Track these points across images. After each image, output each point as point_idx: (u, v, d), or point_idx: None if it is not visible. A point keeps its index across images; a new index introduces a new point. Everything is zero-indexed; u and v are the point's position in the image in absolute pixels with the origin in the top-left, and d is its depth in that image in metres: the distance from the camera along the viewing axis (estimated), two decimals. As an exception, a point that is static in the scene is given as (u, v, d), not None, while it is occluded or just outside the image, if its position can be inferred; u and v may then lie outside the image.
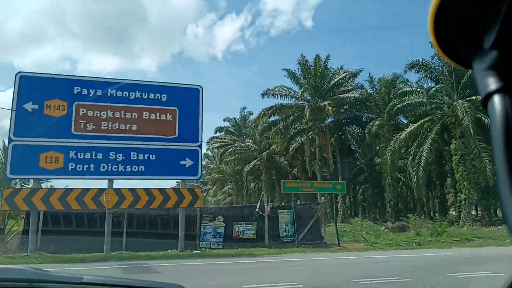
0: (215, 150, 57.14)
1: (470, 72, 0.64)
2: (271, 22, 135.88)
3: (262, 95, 37.28)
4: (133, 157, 14.53)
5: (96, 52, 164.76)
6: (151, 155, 14.68)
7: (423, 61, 30.19)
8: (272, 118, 39.35)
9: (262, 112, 37.25)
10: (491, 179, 26.24)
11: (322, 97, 35.73)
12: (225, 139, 52.57)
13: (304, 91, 35.32)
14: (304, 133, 38.89)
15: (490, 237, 19.36)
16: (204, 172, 71.78)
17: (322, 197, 18.58)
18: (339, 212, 40.05)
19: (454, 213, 39.09)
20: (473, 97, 27.42)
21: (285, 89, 37.56)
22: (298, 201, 20.31)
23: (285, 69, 36.91)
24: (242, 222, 17.36)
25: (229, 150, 47.48)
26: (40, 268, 1.56)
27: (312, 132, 37.36)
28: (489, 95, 0.54)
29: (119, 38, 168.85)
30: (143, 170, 14.56)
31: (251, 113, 51.78)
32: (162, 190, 14.81)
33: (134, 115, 14.84)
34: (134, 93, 14.92)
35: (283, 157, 45.92)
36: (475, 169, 27.84)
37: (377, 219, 38.06)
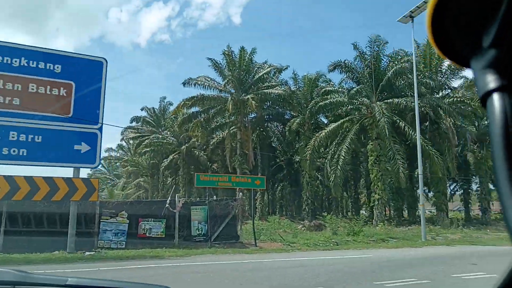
0: (131, 141, 53.43)
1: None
2: (200, 14, 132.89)
3: (184, 83, 35.02)
4: (13, 137, 11.70)
5: (7, 29, 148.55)
6: (36, 137, 11.94)
7: (346, 62, 30.17)
8: (193, 110, 37.22)
9: (183, 102, 34.98)
10: (403, 181, 26.80)
11: (246, 91, 34.45)
12: (141, 129, 49.19)
13: (228, 82, 33.76)
14: (226, 127, 37.33)
15: (403, 237, 19.32)
16: (118, 164, 67.17)
17: (240, 193, 17.08)
18: (257, 210, 39.19)
19: (365, 212, 40.18)
20: (390, 100, 27.89)
21: (209, 79, 35.70)
22: (215, 197, 18.64)
23: (209, 59, 35.04)
24: (150, 219, 15.23)
25: (145, 142, 44.47)
26: (24, 270, 1.50)
27: (234, 126, 35.94)
28: (488, 94, 0.53)
29: (32, 15, 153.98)
30: (24, 154, 11.78)
31: (171, 104, 49.05)
32: (48, 179, 12.11)
33: (17, 87, 11.98)
34: (18, 60, 12.04)
35: (202, 152, 44.00)
36: (388, 170, 28.36)
37: (294, 217, 37.71)
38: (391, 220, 32.03)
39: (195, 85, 34.92)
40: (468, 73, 30.21)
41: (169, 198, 15.68)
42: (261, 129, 40.68)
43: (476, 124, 32.64)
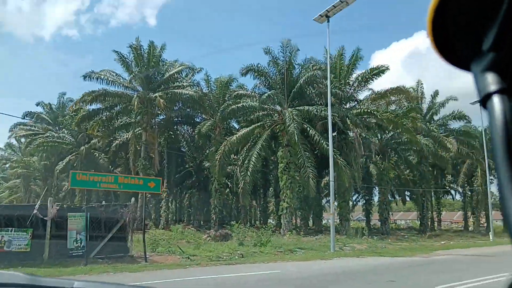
0: (22, 140, 46.64)
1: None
2: (112, 12, 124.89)
3: (85, 77, 30.88)
4: None
5: None
6: None
7: (258, 66, 28.84)
8: (94, 106, 33.08)
9: (82, 97, 30.80)
10: (313, 189, 25.94)
11: (155, 89, 31.46)
12: (35, 127, 43.08)
13: (134, 77, 30.43)
14: (130, 127, 33.71)
15: (311, 247, 18.02)
16: (7, 166, 58.58)
17: (133, 198, 14.28)
18: (161, 218, 35.97)
19: (273, 221, 39.16)
20: (301, 107, 27.06)
21: (113, 74, 32.02)
22: (103, 202, 15.58)
23: (115, 51, 31.44)
24: (9, 229, 11.80)
25: (39, 141, 38.78)
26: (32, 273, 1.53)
27: (140, 127, 32.54)
28: (488, 96, 0.53)
29: None
30: None
31: (71, 100, 43.58)
32: None
33: None
34: None
35: (104, 154, 39.63)
36: (297, 178, 27.40)
37: (202, 226, 35.25)
38: (299, 229, 31.16)
39: (97, 79, 31.02)
40: (374, 85, 30.75)
41: (39, 202, 12.38)
42: (170, 132, 37.73)
43: (379, 137, 33.35)
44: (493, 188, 41.21)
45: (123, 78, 32.04)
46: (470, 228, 42.43)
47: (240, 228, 20.33)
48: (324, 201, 46.24)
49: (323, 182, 35.39)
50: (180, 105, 35.26)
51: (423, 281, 9.50)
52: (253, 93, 29.98)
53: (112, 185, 12.31)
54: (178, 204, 49.86)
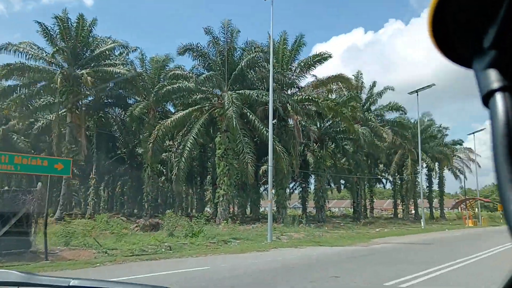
0: None
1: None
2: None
3: (0, 49, 26.84)
4: None
5: None
6: None
7: (198, 46, 26.74)
8: (11, 83, 29.06)
9: (-6, 70, 26.76)
10: (251, 176, 24.60)
11: (83, 66, 28.24)
12: None
13: (58, 51, 26.94)
14: (54, 108, 30.10)
15: (247, 237, 16.60)
16: None
17: (39, 183, 11.87)
18: (88, 207, 32.81)
19: (210, 210, 37.51)
20: (242, 91, 25.49)
21: (35, 47, 28.21)
22: (6, 188, 12.91)
23: (38, 22, 27.65)
24: None
25: None
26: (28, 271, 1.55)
27: (65, 109, 29.10)
28: (490, 94, 0.52)
29: None
30: None
31: (-14, 76, 38.40)
32: None
33: None
34: None
35: (23, 137, 35.46)
36: (235, 165, 25.94)
37: (134, 215, 32.61)
38: (236, 218, 29.78)
39: (15, 52, 27.08)
40: (316, 72, 29.99)
41: None
42: (100, 114, 34.36)
43: (318, 125, 32.76)
44: (420, 178, 42.86)
45: (46, 52, 28.33)
46: (399, 216, 43.77)
47: (172, 217, 18.38)
48: (262, 189, 45.40)
49: (261, 170, 34.28)
50: (112, 85, 32.21)
51: (369, 275, 8.38)
52: (191, 75, 27.78)
53: (5, 166, 9.82)
54: (111, 192, 46.44)
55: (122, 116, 35.09)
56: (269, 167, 16.80)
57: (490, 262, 10.78)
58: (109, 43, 29.90)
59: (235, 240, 15.81)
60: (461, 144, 48.00)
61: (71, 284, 1.35)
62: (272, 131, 26.67)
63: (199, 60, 28.17)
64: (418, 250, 13.39)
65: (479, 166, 46.13)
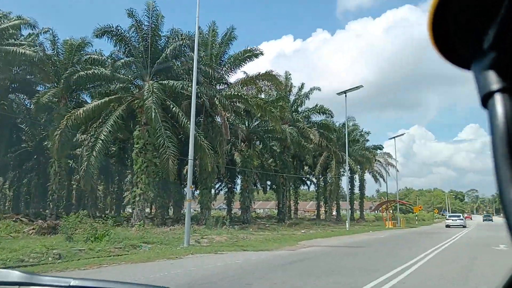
0: None
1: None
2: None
3: None
4: None
5: None
6: None
7: (118, 29, 23.64)
8: None
9: None
10: (173, 173, 22.11)
11: (-23, 44, 23.63)
12: None
13: None
14: None
15: (162, 241, 14.19)
16: None
17: None
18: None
19: (131, 210, 34.10)
20: (165, 82, 22.93)
21: None
22: None
23: None
24: None
25: None
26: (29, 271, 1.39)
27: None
28: (490, 95, 0.52)
29: None
30: None
31: None
32: None
33: None
34: None
35: None
36: (155, 162, 23.28)
37: (41, 216, 28.14)
38: (155, 219, 26.97)
39: None
40: (246, 68, 28.36)
41: None
42: (2, 101, 29.41)
43: (247, 124, 31.13)
44: (344, 181, 43.25)
45: None
46: (321, 217, 43.71)
47: (74, 219, 15.30)
48: (186, 189, 42.71)
49: (185, 169, 31.78)
50: (17, 69, 27.71)
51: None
52: (110, 61, 24.53)
53: None
54: (16, 190, 40.64)
55: (29, 104, 30.47)
56: (189, 160, 14.55)
57: (436, 269, 9.67)
58: (13, 19, 25.55)
59: (147, 244, 13.34)
60: (381, 149, 49.61)
61: (71, 284, 1.32)
62: (198, 127, 24.53)
63: (120, 46, 24.97)
64: (351, 255, 11.98)
65: (397, 170, 47.85)
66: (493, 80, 0.51)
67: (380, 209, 44.82)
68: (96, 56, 24.65)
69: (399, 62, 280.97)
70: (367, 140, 46.32)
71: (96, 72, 22.71)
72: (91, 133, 25.17)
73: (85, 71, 22.83)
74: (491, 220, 66.04)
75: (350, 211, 36.46)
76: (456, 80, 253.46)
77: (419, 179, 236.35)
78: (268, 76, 26.98)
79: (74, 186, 37.96)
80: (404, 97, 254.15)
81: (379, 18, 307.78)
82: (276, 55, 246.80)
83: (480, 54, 0.53)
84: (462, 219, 39.73)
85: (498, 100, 0.50)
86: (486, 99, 0.51)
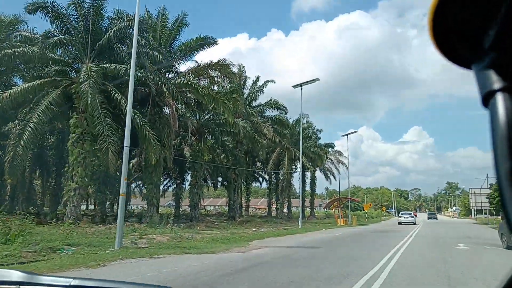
0: None
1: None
2: None
3: None
4: None
5: None
6: None
7: (54, 5, 20.80)
8: None
9: None
10: (113, 165, 19.74)
11: None
12: None
13: None
14: None
15: (91, 243, 12.04)
16: None
17: None
18: None
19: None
20: (107, 65, 20.47)
21: None
22: None
23: None
24: None
25: None
26: (29, 270, 1.42)
27: None
28: (490, 94, 0.52)
29: None
30: None
31: None
32: None
33: None
34: None
35: None
36: (95, 153, 20.80)
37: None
38: (93, 216, 24.29)
39: None
40: (199, 57, 26.38)
41: None
42: None
43: (198, 116, 29.14)
44: (295, 177, 42.44)
45: None
46: (273, 214, 42.63)
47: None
48: (133, 185, 39.90)
49: (131, 164, 29.19)
50: None
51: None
52: (44, 39, 21.56)
53: None
54: None
55: None
56: (124, 146, 12.47)
57: (415, 273, 8.47)
58: None
59: (71, 247, 11.16)
60: (332, 147, 49.45)
61: (72, 283, 1.30)
62: (144, 117, 22.29)
63: (57, 25, 22.08)
64: (310, 258, 10.42)
65: (347, 168, 47.82)
66: (494, 80, 0.50)
67: (331, 206, 44.52)
68: (27, 34, 21.60)
69: (349, 65, 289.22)
70: (319, 138, 45.95)
71: (26, 50, 19.75)
72: (20, 119, 22.07)
73: (12, 49, 19.79)
74: (436, 218, 68.72)
75: (302, 208, 35.52)
76: (404, 84, 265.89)
77: (366, 178, 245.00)
78: (221, 66, 25.22)
79: (9, 180, 33.98)
80: (354, 98, 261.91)
81: (331, 21, 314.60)
82: (231, 52, 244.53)
83: (481, 54, 0.52)
84: (413, 217, 41.55)
85: (499, 100, 0.49)
86: (487, 99, 0.51)
